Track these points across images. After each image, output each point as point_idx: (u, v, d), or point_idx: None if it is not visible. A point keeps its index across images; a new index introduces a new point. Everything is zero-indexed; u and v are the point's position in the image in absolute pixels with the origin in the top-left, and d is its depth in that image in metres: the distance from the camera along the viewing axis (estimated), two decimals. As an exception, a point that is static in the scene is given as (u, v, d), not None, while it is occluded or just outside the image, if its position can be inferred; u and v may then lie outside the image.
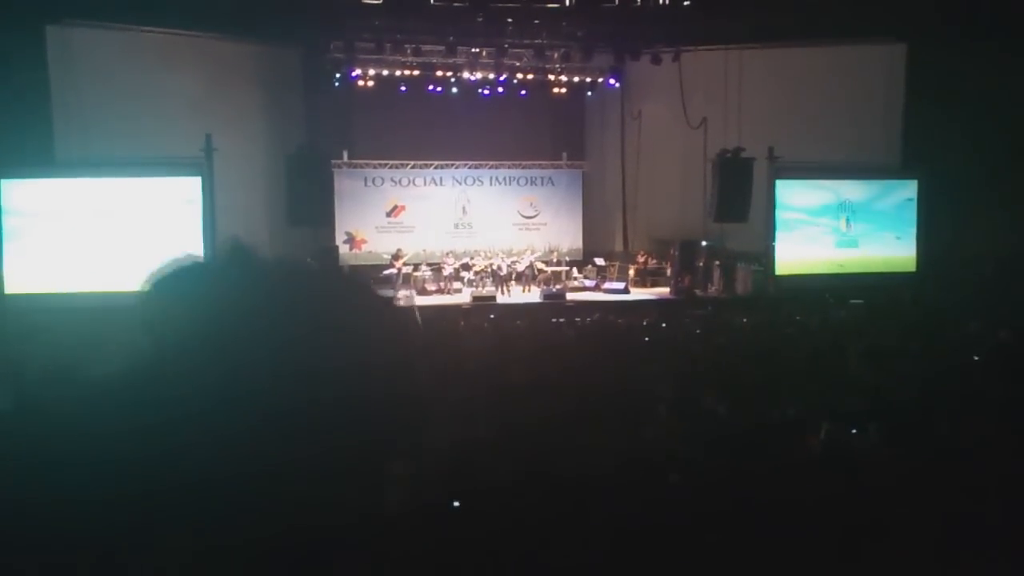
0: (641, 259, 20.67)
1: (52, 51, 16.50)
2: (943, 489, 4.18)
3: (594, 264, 20.63)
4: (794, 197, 18.87)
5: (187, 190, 16.70)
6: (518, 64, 19.69)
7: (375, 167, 20.69)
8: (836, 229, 19.16)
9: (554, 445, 4.50)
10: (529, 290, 19.31)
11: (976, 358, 8.14)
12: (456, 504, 4.05)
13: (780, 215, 18.69)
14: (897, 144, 19.14)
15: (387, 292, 17.16)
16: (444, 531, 3.94)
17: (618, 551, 3.60)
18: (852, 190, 19.22)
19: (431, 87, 19.73)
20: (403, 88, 19.55)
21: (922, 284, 17.88)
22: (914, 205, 19.15)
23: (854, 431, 4.78)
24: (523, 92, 20.14)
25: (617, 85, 20.55)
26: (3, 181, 16.53)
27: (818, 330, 10.98)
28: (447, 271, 19.46)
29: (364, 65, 19.13)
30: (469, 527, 3.91)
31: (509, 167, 21.50)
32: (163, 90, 17.26)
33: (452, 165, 21.06)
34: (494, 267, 19.52)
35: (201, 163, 16.51)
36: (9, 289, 16.23)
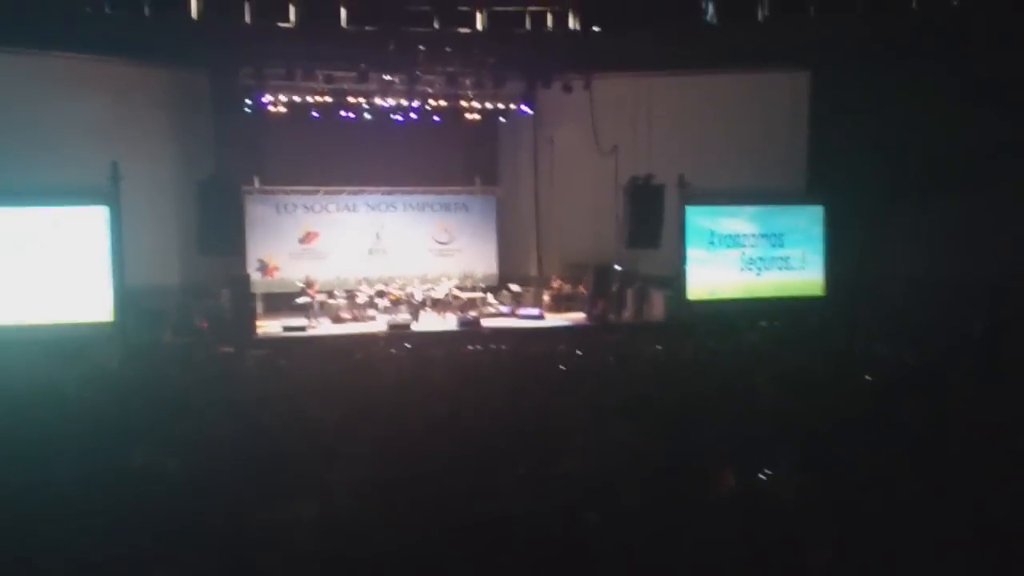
0: (555, 284, 20.74)
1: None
2: (855, 515, 4.24)
3: (509, 290, 20.60)
4: (704, 223, 19.14)
5: (93, 220, 16.17)
6: (431, 91, 19.65)
7: (287, 193, 20.39)
8: (745, 254, 19.45)
9: (470, 482, 4.45)
10: (445, 317, 19.21)
11: (883, 380, 8.34)
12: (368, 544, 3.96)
13: (690, 241, 18.94)
14: (803, 170, 19.64)
15: (302, 321, 16.79)
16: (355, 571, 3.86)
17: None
18: (760, 216, 19.56)
19: (344, 113, 19.52)
20: (315, 114, 19.30)
21: (830, 308, 18.28)
22: (821, 230, 19.58)
23: (766, 461, 4.82)
24: (436, 118, 20.05)
25: (530, 112, 20.59)
26: None
27: (729, 356, 11.13)
28: (361, 299, 19.24)
29: (275, 91, 18.84)
30: (382, 567, 3.83)
31: (423, 193, 21.40)
32: (66, 116, 16.73)
33: (365, 191, 20.88)
34: (409, 294, 19.39)
35: (107, 192, 16.04)
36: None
